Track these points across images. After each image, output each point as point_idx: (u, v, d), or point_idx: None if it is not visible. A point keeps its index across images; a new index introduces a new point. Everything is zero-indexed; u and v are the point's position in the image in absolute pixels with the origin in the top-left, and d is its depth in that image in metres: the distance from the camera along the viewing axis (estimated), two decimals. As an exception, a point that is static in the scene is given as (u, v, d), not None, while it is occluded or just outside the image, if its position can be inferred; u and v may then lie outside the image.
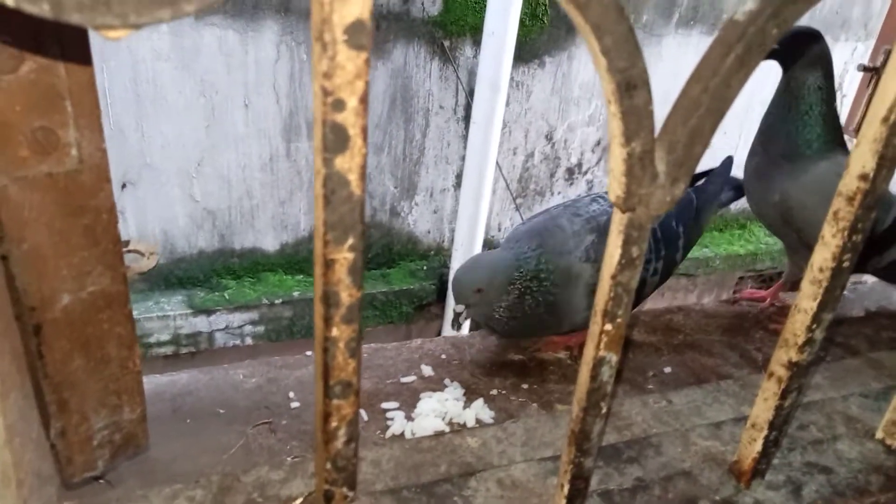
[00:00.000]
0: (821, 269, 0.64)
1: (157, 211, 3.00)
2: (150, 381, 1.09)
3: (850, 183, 0.61)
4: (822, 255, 0.64)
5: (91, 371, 0.70)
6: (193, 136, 2.89)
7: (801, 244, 1.34)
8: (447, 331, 3.19)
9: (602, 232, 1.13)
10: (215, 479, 0.77)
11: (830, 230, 0.63)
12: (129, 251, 0.84)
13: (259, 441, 1.01)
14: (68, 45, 0.56)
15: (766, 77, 4.11)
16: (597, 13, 0.45)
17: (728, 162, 1.41)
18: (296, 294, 3.30)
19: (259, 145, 3.02)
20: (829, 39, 4.15)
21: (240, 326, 3.24)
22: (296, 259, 3.39)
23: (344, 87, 0.40)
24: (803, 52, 1.24)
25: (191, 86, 2.80)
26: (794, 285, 1.46)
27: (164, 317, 3.07)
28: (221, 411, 1.07)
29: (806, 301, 0.65)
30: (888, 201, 1.26)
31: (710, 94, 0.50)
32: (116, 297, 0.67)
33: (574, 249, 1.13)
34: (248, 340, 3.27)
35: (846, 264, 0.64)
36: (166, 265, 3.15)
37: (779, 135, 1.27)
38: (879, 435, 0.84)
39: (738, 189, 1.43)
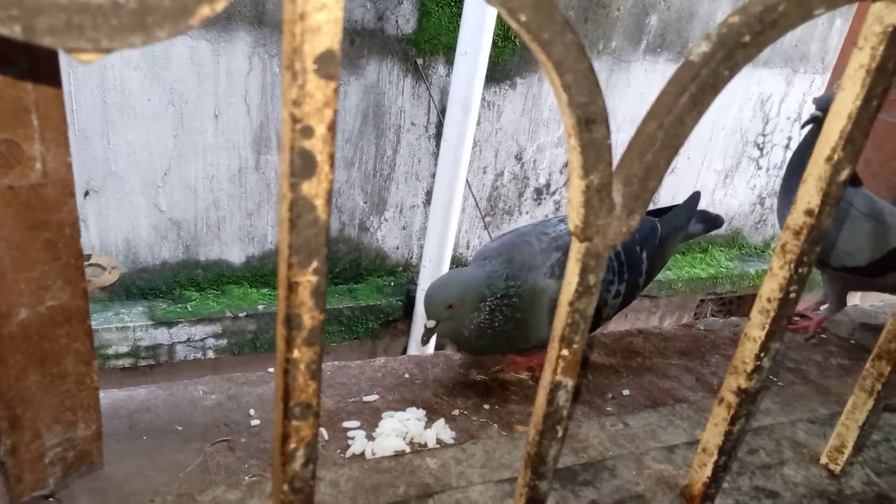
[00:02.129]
0: (769, 300, 0.66)
1: (121, 220, 2.95)
2: (107, 396, 1.07)
3: (797, 218, 0.64)
4: (770, 287, 0.66)
5: (46, 387, 0.69)
6: (161, 145, 2.86)
7: (823, 268, 1.52)
8: (413, 348, 3.19)
9: (567, 251, 1.16)
10: (170, 498, 0.76)
11: (778, 262, 0.66)
12: (91, 265, 0.83)
13: (217, 459, 1.00)
14: (38, 59, 0.56)
15: (729, 107, 4.20)
16: (559, 51, 0.47)
17: (696, 196, 1.47)
18: (260, 307, 3.26)
19: (228, 156, 3.00)
20: (788, 71, 4.27)
21: (202, 339, 3.19)
22: (262, 272, 3.35)
23: (313, 114, 0.41)
24: None
25: (160, 94, 2.77)
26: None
27: (124, 328, 3.01)
28: (179, 428, 1.05)
29: (754, 330, 0.68)
30: (891, 225, 1.43)
31: (664, 131, 0.52)
32: (76, 312, 0.66)
33: (541, 266, 1.15)
34: (210, 354, 3.22)
35: (793, 295, 0.67)
36: (128, 275, 3.09)
37: (794, 174, 1.49)
38: (823, 460, 0.87)
39: (707, 222, 1.50)
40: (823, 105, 1.44)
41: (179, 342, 3.15)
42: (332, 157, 0.43)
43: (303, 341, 0.48)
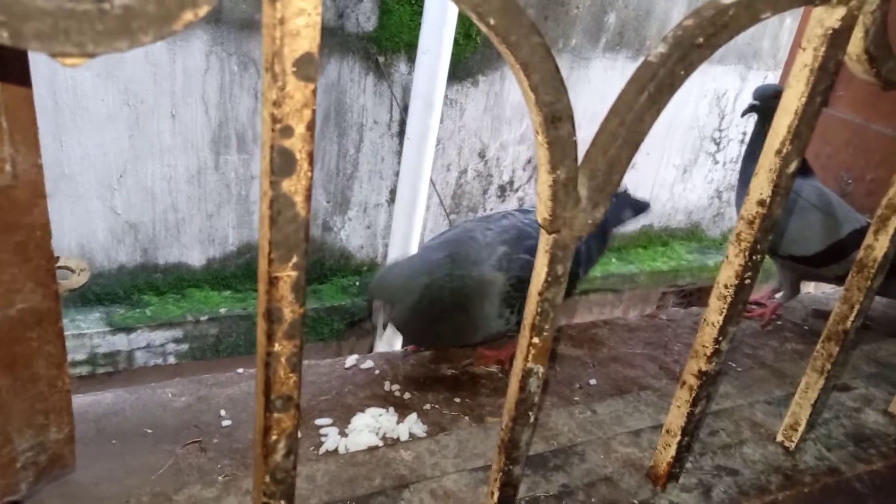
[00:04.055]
0: (725, 286, 0.70)
1: (75, 224, 2.88)
2: (73, 401, 1.06)
3: (750, 208, 0.68)
4: (727, 274, 0.70)
5: (17, 390, 0.68)
6: (116, 147, 2.80)
7: (773, 256, 1.56)
8: (379, 347, 3.20)
9: (512, 244, 1.20)
10: (146, 499, 0.76)
11: (734, 250, 0.69)
12: (60, 268, 0.82)
13: (189, 461, 0.99)
14: (6, 60, 0.55)
15: (686, 103, 4.29)
16: (526, 53, 0.49)
17: (624, 195, 1.52)
18: (222, 311, 3.22)
19: (186, 157, 2.95)
20: (742, 68, 4.39)
21: (162, 345, 3.14)
22: (223, 275, 3.31)
23: (292, 114, 0.42)
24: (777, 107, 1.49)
25: (114, 95, 2.71)
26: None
27: (80, 335, 2.94)
28: (149, 431, 1.04)
29: (713, 315, 0.72)
30: (838, 217, 1.49)
31: (626, 127, 0.55)
32: (47, 314, 0.66)
33: (487, 259, 1.18)
34: (171, 359, 3.17)
35: (748, 281, 0.71)
36: (75, 290, 3.02)
37: (748, 167, 1.54)
38: (779, 438, 0.92)
39: (635, 207, 1.55)
40: (759, 95, 1.52)
41: (139, 348, 3.09)
42: (311, 156, 0.44)
43: (283, 335, 0.49)
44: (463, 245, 1.21)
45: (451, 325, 1.18)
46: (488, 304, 1.18)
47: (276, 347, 0.50)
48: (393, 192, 3.33)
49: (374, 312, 1.15)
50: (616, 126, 0.55)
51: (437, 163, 3.38)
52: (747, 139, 1.62)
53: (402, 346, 1.43)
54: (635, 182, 4.00)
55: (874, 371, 1.14)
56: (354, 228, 3.43)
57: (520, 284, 1.18)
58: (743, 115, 1.63)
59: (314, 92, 0.42)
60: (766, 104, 1.50)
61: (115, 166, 2.84)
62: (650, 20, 3.61)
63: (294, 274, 0.48)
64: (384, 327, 1.15)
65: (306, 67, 0.41)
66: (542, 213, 0.56)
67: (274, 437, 0.53)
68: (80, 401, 1.07)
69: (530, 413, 0.65)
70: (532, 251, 1.21)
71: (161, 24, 0.36)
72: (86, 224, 2.91)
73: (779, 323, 1.62)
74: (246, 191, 3.13)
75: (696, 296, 4.43)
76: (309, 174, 0.45)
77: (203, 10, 0.37)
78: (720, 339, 0.72)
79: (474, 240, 1.22)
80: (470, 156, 3.52)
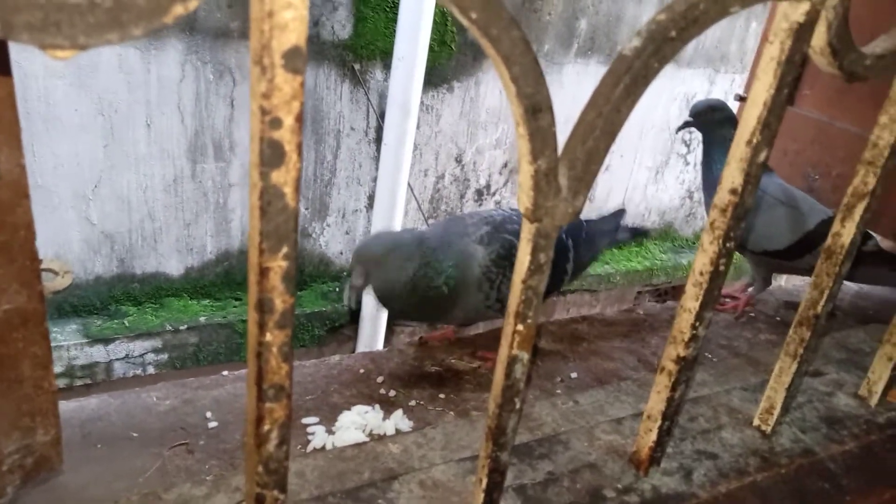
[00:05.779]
0: (701, 273, 0.72)
1: (49, 235, 2.84)
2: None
3: (722, 197, 0.71)
4: (702, 261, 0.72)
5: (3, 392, 0.68)
6: (90, 157, 2.77)
7: (745, 252, 1.63)
8: (361, 349, 3.19)
9: (496, 226, 1.26)
10: (135, 498, 0.76)
11: (708, 238, 0.72)
12: (43, 270, 0.82)
13: (176, 462, 0.99)
14: (-11, 61, 0.56)
15: (656, 106, 4.37)
16: (506, 46, 0.51)
17: (620, 212, 1.61)
18: (202, 319, 3.19)
19: (162, 166, 2.93)
20: (710, 71, 4.48)
21: (141, 355, 3.10)
22: (202, 283, 3.29)
23: (281, 106, 0.44)
24: (713, 119, 1.59)
25: (87, 104, 2.68)
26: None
27: (57, 347, 2.89)
28: (135, 435, 1.04)
29: (689, 301, 0.74)
30: (804, 210, 1.54)
31: (603, 118, 0.57)
32: (32, 315, 0.66)
33: (471, 234, 1.25)
34: (151, 369, 3.13)
35: (722, 268, 0.73)
36: (59, 292, 2.97)
37: (707, 175, 1.65)
38: (756, 423, 0.95)
39: (633, 232, 1.66)
40: (693, 111, 1.61)
41: (117, 359, 3.05)
42: (299, 147, 0.46)
43: (275, 324, 0.50)
44: (452, 224, 1.29)
45: (433, 300, 1.21)
46: (470, 278, 1.23)
47: (268, 337, 0.51)
48: (371, 198, 3.34)
49: (352, 278, 1.17)
50: (594, 117, 0.57)
51: (415, 168, 3.40)
52: None
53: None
54: (609, 183, 4.05)
55: (844, 357, 1.17)
56: (333, 234, 3.43)
57: (500, 260, 1.22)
58: (677, 131, 1.73)
59: (302, 84, 0.44)
60: (700, 118, 1.60)
61: (89, 176, 2.81)
62: (620, 25, 3.67)
63: (284, 264, 0.49)
64: (359, 296, 1.17)
65: (294, 60, 0.42)
66: (525, 202, 0.58)
67: (266, 427, 0.54)
68: (64, 406, 1.06)
69: (516, 399, 0.66)
70: (515, 233, 1.27)
71: (151, 17, 0.37)
72: (60, 235, 2.87)
73: (752, 315, 1.66)
74: (223, 199, 3.12)
75: (670, 294, 4.50)
76: (298, 165, 0.46)
77: (193, 4, 0.38)
78: (697, 324, 0.74)
79: (461, 220, 1.30)
80: (447, 161, 3.55)
